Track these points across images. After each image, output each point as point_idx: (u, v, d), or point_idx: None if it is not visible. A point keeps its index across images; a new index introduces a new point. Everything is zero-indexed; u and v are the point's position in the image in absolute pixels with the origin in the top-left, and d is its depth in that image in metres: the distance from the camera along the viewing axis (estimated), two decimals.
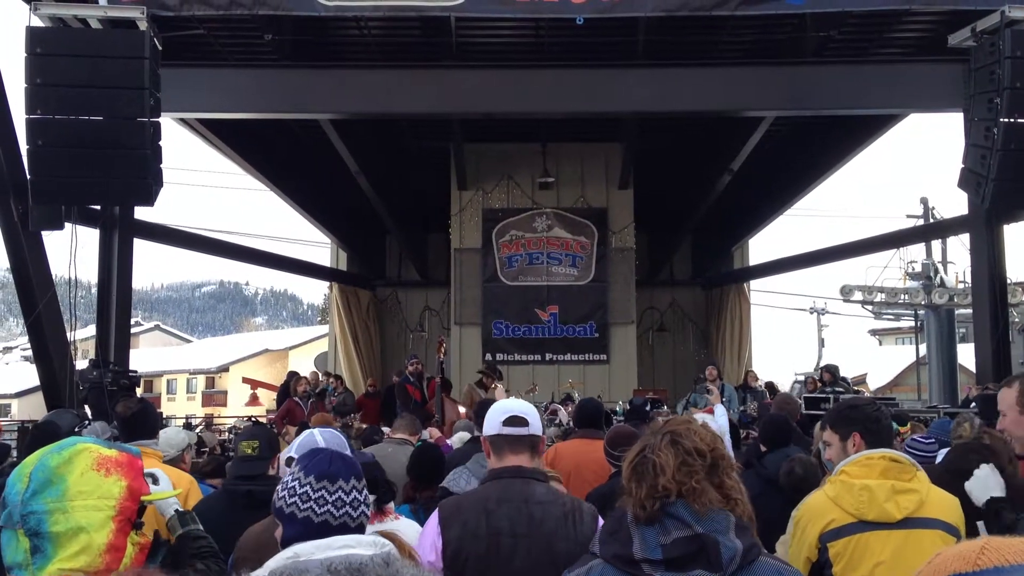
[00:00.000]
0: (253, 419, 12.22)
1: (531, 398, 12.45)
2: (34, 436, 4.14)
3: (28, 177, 7.74)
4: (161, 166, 7.83)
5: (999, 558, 1.03)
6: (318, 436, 2.96)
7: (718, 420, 5.75)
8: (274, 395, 15.28)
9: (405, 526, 3.11)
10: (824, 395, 10.72)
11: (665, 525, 1.74)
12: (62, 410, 5.42)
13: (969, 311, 16.35)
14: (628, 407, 9.71)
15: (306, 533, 1.97)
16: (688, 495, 1.74)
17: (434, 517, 2.69)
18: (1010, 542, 1.06)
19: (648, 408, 8.60)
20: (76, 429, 3.92)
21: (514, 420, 2.75)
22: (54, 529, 1.69)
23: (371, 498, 2.04)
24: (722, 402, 6.89)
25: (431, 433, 7.47)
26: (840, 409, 3.09)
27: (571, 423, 9.19)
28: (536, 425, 2.80)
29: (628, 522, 1.79)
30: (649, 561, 1.72)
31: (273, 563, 1.90)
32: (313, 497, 1.97)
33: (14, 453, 4.76)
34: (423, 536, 2.68)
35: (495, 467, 2.77)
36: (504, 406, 2.87)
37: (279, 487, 2.07)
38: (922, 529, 2.65)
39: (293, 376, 12.58)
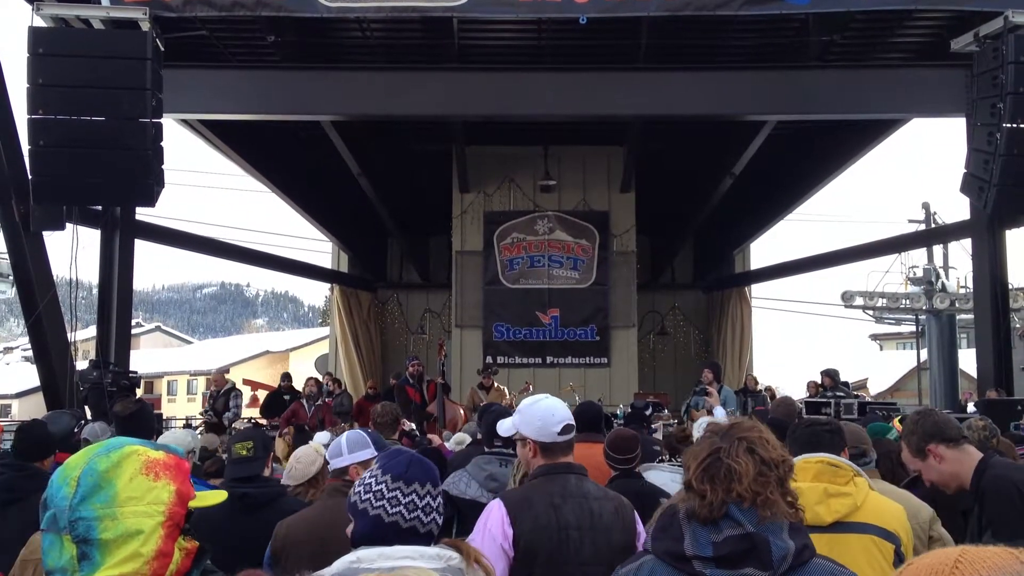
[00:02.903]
0: (253, 420, 12.16)
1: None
2: (20, 438, 4.09)
3: (29, 177, 7.75)
4: (163, 167, 7.84)
5: (972, 572, 1.00)
6: None
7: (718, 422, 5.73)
8: None
9: None
10: (825, 399, 10.70)
11: (719, 524, 1.75)
12: (58, 411, 5.38)
13: (970, 316, 16.34)
14: (629, 411, 9.68)
15: (375, 531, 1.99)
16: (762, 505, 1.75)
17: (498, 510, 2.78)
18: (986, 553, 1.03)
19: (649, 412, 8.56)
20: (75, 429, 3.89)
21: (568, 428, 2.95)
22: (103, 536, 1.66)
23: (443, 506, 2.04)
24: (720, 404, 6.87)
25: (431, 438, 7.46)
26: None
27: None
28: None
29: (680, 519, 1.79)
30: (700, 558, 1.73)
31: (338, 565, 1.91)
32: (387, 496, 2.00)
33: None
34: (489, 526, 2.76)
35: (546, 463, 2.91)
36: (553, 414, 2.95)
37: (356, 483, 2.10)
38: (852, 533, 2.64)
39: (310, 381, 12.56)
